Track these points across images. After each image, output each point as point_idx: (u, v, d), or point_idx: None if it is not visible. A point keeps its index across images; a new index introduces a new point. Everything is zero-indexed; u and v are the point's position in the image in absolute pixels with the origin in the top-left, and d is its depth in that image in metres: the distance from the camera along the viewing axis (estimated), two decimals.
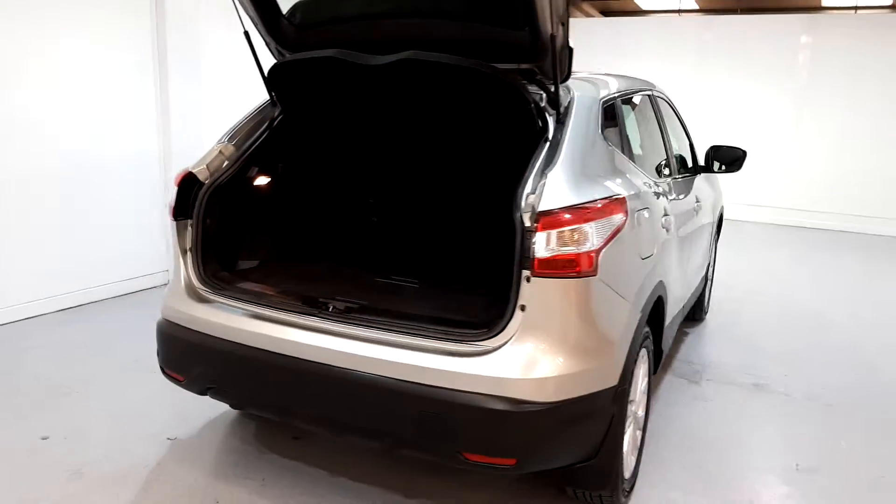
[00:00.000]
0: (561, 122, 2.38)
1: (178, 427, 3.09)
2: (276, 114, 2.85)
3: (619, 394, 2.23)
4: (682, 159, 3.90)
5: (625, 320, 2.29)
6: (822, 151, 9.14)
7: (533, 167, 2.23)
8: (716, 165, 4.09)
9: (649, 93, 3.58)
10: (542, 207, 2.05)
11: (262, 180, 2.87)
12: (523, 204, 2.10)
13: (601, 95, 2.66)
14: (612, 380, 2.20)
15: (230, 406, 2.98)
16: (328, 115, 3.04)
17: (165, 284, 5.05)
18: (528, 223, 2.07)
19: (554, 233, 2.03)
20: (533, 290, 2.04)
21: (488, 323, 2.16)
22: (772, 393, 3.74)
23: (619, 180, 2.44)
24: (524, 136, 2.53)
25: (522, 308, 2.06)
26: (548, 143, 2.32)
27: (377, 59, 2.38)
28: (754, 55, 9.36)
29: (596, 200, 2.15)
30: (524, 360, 2.06)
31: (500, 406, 2.03)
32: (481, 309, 2.42)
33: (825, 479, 2.88)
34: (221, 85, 5.44)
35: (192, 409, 3.20)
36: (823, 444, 3.19)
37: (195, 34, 5.18)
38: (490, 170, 2.95)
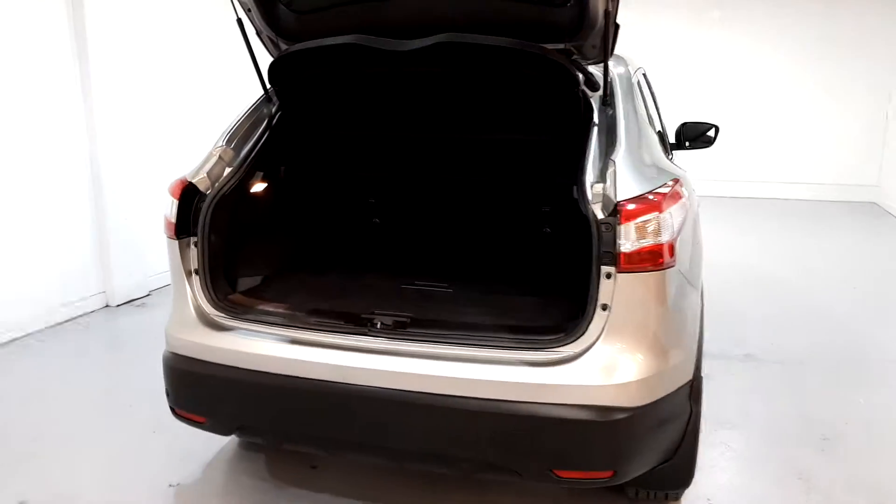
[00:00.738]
0: (607, 104, 2.24)
1: (179, 470, 2.74)
2: (275, 111, 2.55)
3: (696, 388, 2.14)
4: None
5: (695, 309, 2.19)
6: (746, 121, 9.44)
7: (590, 154, 2.07)
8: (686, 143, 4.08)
9: (642, 68, 3.51)
10: (621, 197, 1.90)
11: (265, 186, 2.55)
12: (590, 195, 1.95)
13: (631, 73, 2.53)
14: (688, 374, 2.10)
15: (263, 445, 2.67)
16: (338, 110, 2.74)
17: (105, 307, 4.58)
18: (601, 215, 1.92)
19: (638, 224, 1.89)
20: (615, 288, 1.89)
21: (562, 327, 1.99)
22: (761, 361, 3.80)
23: (664, 161, 2.33)
24: (564, 123, 2.38)
25: (604, 307, 1.91)
26: (595, 127, 2.18)
27: (407, 45, 2.14)
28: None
29: (666, 184, 2.03)
30: (611, 364, 1.91)
31: (591, 416, 1.88)
32: (541, 311, 2.25)
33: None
34: (153, 77, 4.93)
35: (188, 446, 2.85)
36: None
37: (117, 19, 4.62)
38: (523, 161, 2.76)
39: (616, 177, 1.94)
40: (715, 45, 9.26)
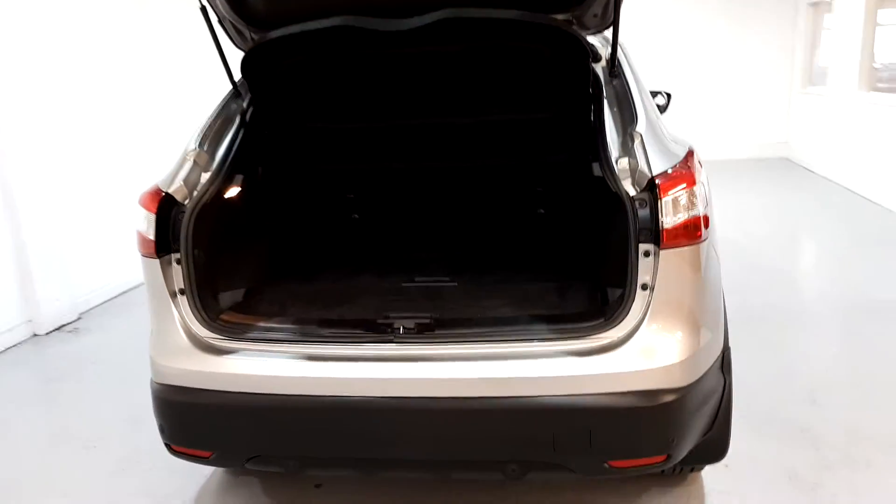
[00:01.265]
0: (614, 75, 2.16)
1: None
2: (247, 105, 2.31)
3: (727, 359, 2.10)
4: None
5: (721, 281, 2.15)
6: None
7: (608, 128, 1.99)
8: None
9: None
10: (656, 171, 1.82)
11: (244, 190, 2.31)
12: (618, 169, 1.87)
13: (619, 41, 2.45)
14: (720, 345, 2.06)
15: (280, 472, 2.42)
16: (319, 100, 2.50)
17: (33, 336, 4.12)
18: (633, 191, 1.83)
19: (676, 197, 1.81)
20: (655, 266, 1.82)
21: (600, 311, 1.90)
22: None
23: (673, 131, 2.28)
24: (569, 98, 2.28)
25: (644, 287, 1.83)
26: (606, 101, 2.09)
27: (406, 23, 1.96)
28: None
29: (689, 154, 1.96)
30: (656, 346, 1.84)
31: (642, 402, 1.80)
32: (562, 297, 2.15)
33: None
34: (62, 78, 4.45)
35: (164, 486, 2.57)
36: None
37: None
38: (517, 141, 2.62)
39: (646, 150, 1.86)
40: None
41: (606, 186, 1.99)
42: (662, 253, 1.81)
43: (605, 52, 2.36)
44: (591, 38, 2.29)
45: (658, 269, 1.81)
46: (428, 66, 2.28)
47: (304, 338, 1.94)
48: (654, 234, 1.80)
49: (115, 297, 4.84)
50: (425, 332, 1.90)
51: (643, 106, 2.05)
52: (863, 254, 5.07)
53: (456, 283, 2.41)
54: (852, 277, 4.56)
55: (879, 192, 6.42)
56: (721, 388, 2.06)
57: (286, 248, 2.75)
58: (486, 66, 2.27)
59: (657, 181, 1.80)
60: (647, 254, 1.82)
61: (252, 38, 2.26)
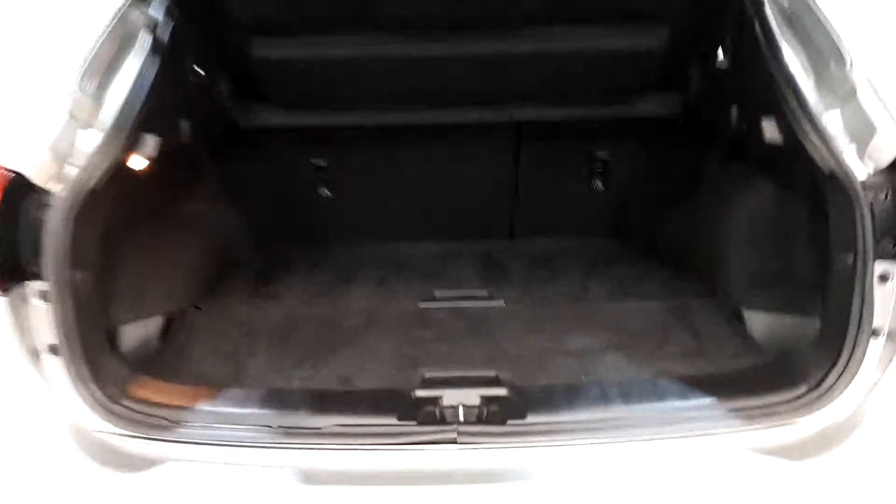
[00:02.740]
0: None
1: None
2: (156, 17, 1.36)
3: None
4: None
5: None
6: None
7: (794, 71, 1.21)
8: None
9: None
10: None
11: (159, 159, 1.38)
12: (829, 134, 1.10)
13: None
14: None
15: None
16: (274, 13, 1.51)
17: None
18: (863, 175, 1.06)
19: None
20: None
21: (793, 371, 1.15)
22: None
23: None
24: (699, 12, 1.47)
25: (877, 333, 1.08)
26: (770, 19, 1.30)
27: None
28: None
29: None
30: None
31: None
32: (697, 331, 1.38)
33: None
34: None
35: None
36: None
37: None
38: (582, 77, 1.69)
39: (885, 105, 1.09)
40: None
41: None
42: None
43: None
44: None
45: None
46: None
47: (291, 437, 1.08)
48: None
49: None
50: (506, 418, 1.08)
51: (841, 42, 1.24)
52: None
53: (502, 301, 1.58)
54: None
55: None
56: None
57: (230, 248, 1.84)
58: None
59: None
60: (884, 278, 1.06)
61: None
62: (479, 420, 1.08)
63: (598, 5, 1.48)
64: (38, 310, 1.10)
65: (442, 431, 1.06)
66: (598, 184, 1.95)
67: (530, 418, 1.08)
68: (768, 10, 1.31)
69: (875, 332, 1.08)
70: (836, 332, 1.11)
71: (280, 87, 1.64)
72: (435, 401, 1.11)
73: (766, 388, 1.13)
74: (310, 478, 1.05)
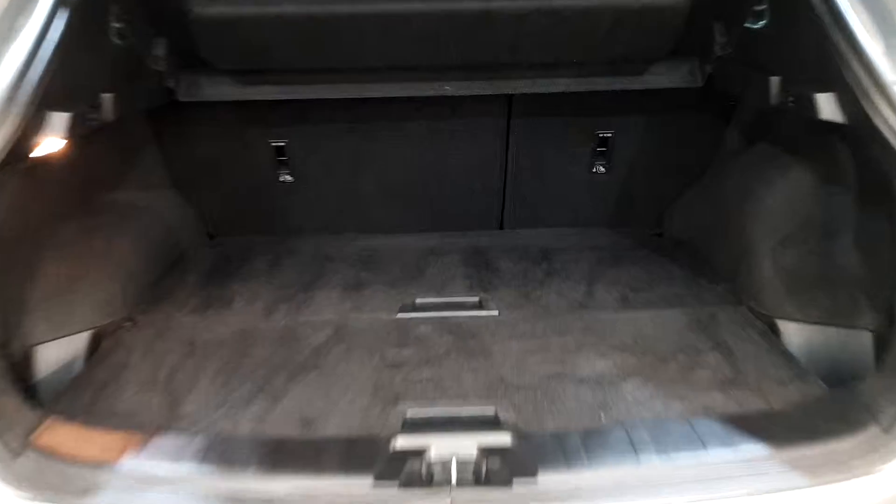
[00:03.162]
0: None
1: None
2: None
3: None
4: None
5: None
6: None
7: (846, 23, 0.99)
8: None
9: None
10: None
11: (55, 145, 1.11)
12: None
13: None
14: None
15: None
16: None
17: None
18: None
19: None
20: None
21: (855, 407, 0.95)
22: None
23: None
24: None
25: None
26: None
27: None
28: None
29: None
30: None
31: None
32: (728, 348, 1.17)
33: None
34: None
35: None
36: None
37: None
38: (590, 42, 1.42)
39: None
40: None
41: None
42: None
43: None
44: None
45: None
46: None
47: None
48: None
49: None
50: (512, 475, 0.86)
51: None
52: None
53: (496, 311, 1.35)
54: None
55: None
56: None
57: (175, 243, 1.58)
58: None
59: None
60: None
61: None
62: (479, 480, 0.85)
63: None
64: None
65: (431, 495, 0.84)
66: (600, 167, 1.71)
67: (542, 476, 0.85)
68: None
69: None
70: None
71: (226, 54, 1.35)
72: (421, 453, 0.88)
73: (828, 429, 0.93)
74: None
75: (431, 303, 1.39)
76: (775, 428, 0.94)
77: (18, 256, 1.11)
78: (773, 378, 1.07)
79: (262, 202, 1.71)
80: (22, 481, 0.87)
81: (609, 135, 1.65)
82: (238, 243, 1.71)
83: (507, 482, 0.84)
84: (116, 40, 1.23)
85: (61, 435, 0.97)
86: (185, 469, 0.90)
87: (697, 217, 1.61)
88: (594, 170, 1.72)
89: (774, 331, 1.23)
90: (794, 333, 1.21)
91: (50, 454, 0.92)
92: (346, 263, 1.57)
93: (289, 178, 1.68)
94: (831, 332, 1.17)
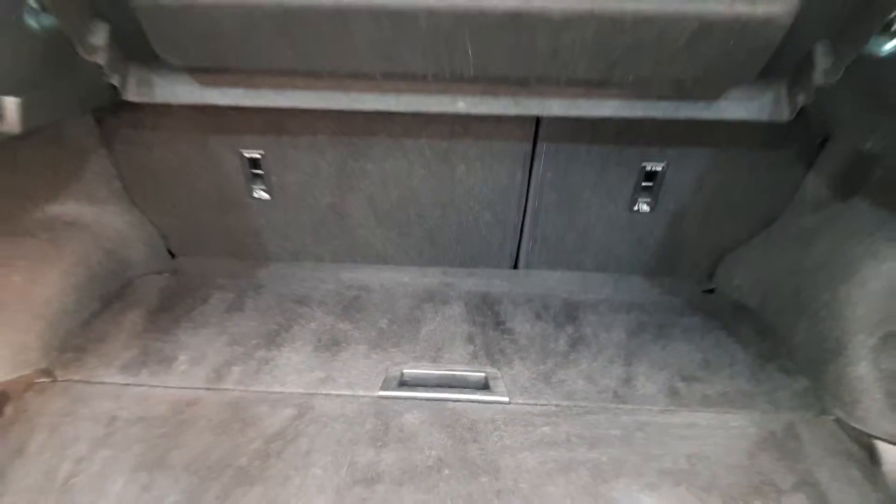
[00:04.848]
0: None
1: None
2: None
3: None
4: None
5: None
6: None
7: None
8: None
9: None
10: None
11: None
12: None
13: None
14: None
15: None
16: None
17: None
18: None
19: None
20: None
21: None
22: None
23: None
24: None
25: None
26: None
27: None
28: None
29: None
30: None
31: None
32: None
33: None
34: None
35: None
36: None
37: None
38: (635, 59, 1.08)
39: None
40: None
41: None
42: None
43: None
44: None
45: None
46: None
47: None
48: None
49: None
50: None
51: None
52: None
53: (506, 397, 1.05)
54: None
55: None
56: None
57: (119, 271, 1.30)
58: None
59: None
60: None
61: None
62: None
63: None
64: None
65: None
66: (644, 205, 1.40)
67: None
68: None
69: None
70: None
71: (181, 47, 1.05)
72: None
73: None
74: None
75: (424, 376, 1.09)
76: None
77: None
78: None
79: (230, 220, 1.42)
80: None
81: (658, 168, 1.34)
82: (199, 268, 1.42)
83: None
84: (36, 24, 0.94)
85: None
86: None
87: (766, 279, 1.30)
88: (635, 208, 1.40)
89: (873, 456, 0.94)
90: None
91: None
92: (323, 308, 1.27)
93: (264, 194, 1.39)
94: None
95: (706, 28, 0.95)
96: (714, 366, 1.14)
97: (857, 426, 0.96)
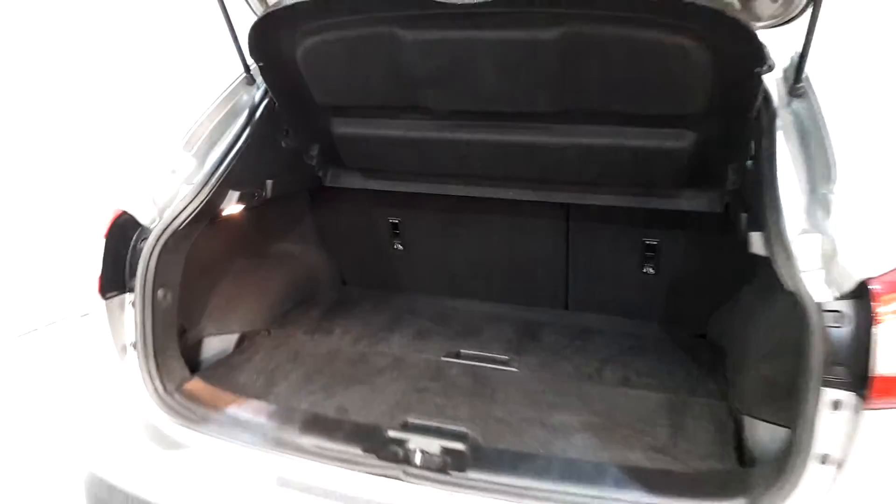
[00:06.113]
0: (799, 95, 1.40)
1: None
2: (259, 99, 1.72)
3: None
4: None
5: None
6: None
7: (777, 178, 1.26)
8: None
9: None
10: (870, 271, 1.06)
11: (242, 210, 1.72)
12: (796, 252, 1.13)
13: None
14: None
15: None
16: (352, 92, 1.78)
17: None
18: (826, 296, 1.09)
19: None
20: (853, 429, 1.06)
21: (742, 478, 1.19)
22: None
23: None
24: (719, 121, 1.53)
25: (824, 460, 1.08)
26: (779, 133, 1.35)
27: None
28: None
29: None
30: None
31: None
32: (681, 429, 1.43)
33: None
34: None
35: None
36: None
37: None
38: (628, 172, 1.80)
39: (849, 228, 1.11)
40: None
41: (766, 270, 1.25)
42: (867, 413, 1.04)
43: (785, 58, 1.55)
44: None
45: (857, 436, 1.05)
46: (507, 57, 1.52)
47: (279, 447, 1.31)
48: (856, 377, 1.05)
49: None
50: (451, 469, 1.23)
51: (833, 150, 1.26)
52: None
53: (516, 368, 1.72)
54: None
55: None
56: None
57: (310, 284, 2.17)
58: (594, 64, 1.48)
59: (872, 286, 1.04)
60: (836, 405, 1.07)
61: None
62: (426, 466, 1.23)
63: (622, 110, 1.58)
64: (127, 315, 1.46)
65: (389, 467, 1.23)
66: (650, 268, 2.00)
67: (471, 474, 1.21)
68: (779, 127, 1.36)
69: (822, 460, 1.08)
70: (786, 453, 1.13)
71: (354, 156, 1.96)
72: (401, 442, 1.28)
73: (705, 494, 1.17)
74: (284, 482, 1.28)
75: (471, 354, 1.79)
76: (663, 485, 1.19)
77: (204, 279, 1.72)
78: (697, 454, 1.32)
79: (380, 263, 2.26)
80: (169, 409, 1.42)
81: (654, 243, 1.95)
82: (359, 292, 2.26)
83: (443, 471, 1.22)
84: (285, 145, 1.86)
85: (198, 389, 1.52)
86: (257, 420, 1.40)
87: (723, 325, 1.83)
88: (644, 270, 2.01)
89: (739, 424, 1.44)
90: (754, 430, 1.39)
91: (188, 398, 1.47)
92: (423, 317, 2.04)
93: (400, 247, 2.21)
94: (782, 433, 1.37)
95: (637, 154, 1.63)
96: (663, 372, 1.69)
97: (738, 405, 1.47)
